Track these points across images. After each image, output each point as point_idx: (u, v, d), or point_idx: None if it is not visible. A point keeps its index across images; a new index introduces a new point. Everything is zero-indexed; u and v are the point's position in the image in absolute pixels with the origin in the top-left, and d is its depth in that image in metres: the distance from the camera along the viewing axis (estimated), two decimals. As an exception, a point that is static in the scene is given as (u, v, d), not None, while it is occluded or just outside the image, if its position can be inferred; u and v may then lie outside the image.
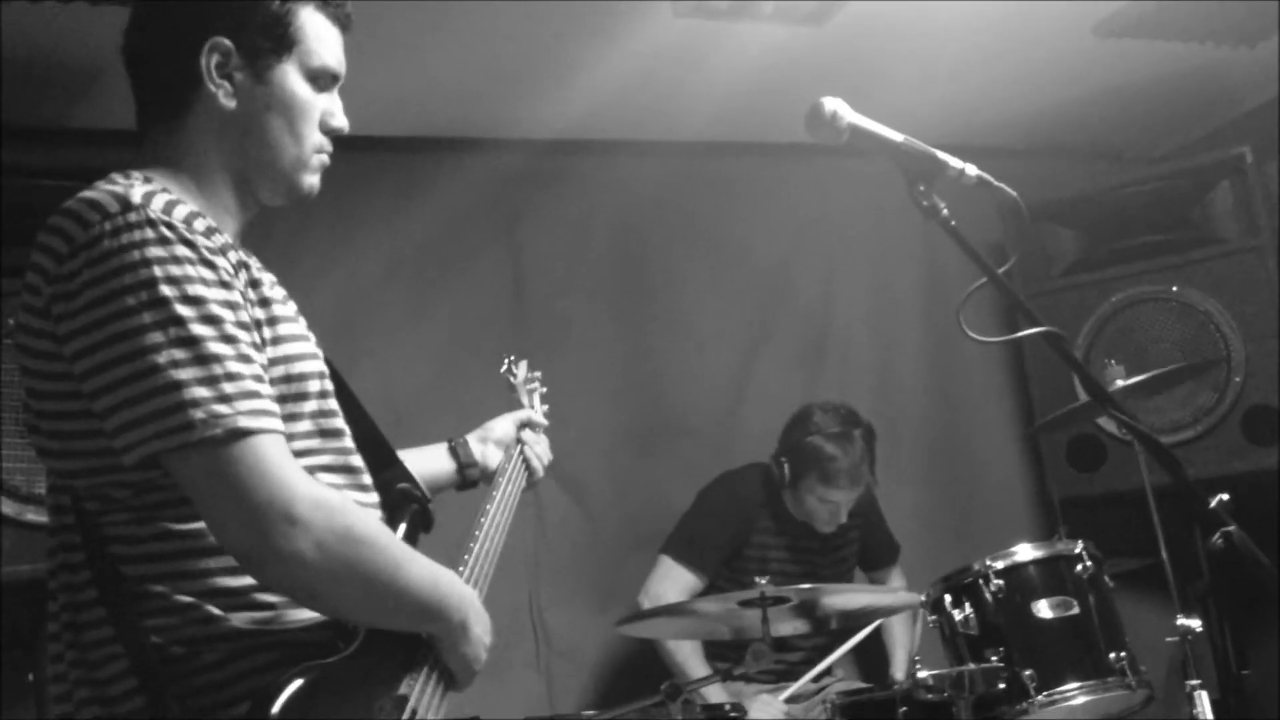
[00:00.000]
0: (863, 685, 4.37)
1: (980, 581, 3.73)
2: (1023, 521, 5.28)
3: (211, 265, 1.84)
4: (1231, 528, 2.06)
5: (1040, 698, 3.56)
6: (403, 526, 2.12)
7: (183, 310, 1.79)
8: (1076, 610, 3.69)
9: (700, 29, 4.21)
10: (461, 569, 2.25)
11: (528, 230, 4.96)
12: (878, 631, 4.49)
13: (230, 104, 2.00)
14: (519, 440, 2.83)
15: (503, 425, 2.84)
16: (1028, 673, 3.57)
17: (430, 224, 4.73)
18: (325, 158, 2.11)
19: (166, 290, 1.79)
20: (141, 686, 1.80)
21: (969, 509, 5.30)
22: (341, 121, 2.11)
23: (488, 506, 2.52)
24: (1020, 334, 2.37)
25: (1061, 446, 4.93)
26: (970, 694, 3.45)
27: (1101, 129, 5.51)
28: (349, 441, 2.05)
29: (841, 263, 5.37)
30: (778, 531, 4.40)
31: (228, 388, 1.78)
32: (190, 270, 1.81)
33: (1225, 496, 2.10)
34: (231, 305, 1.84)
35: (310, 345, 2.01)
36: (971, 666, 3.53)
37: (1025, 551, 3.79)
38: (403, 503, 2.16)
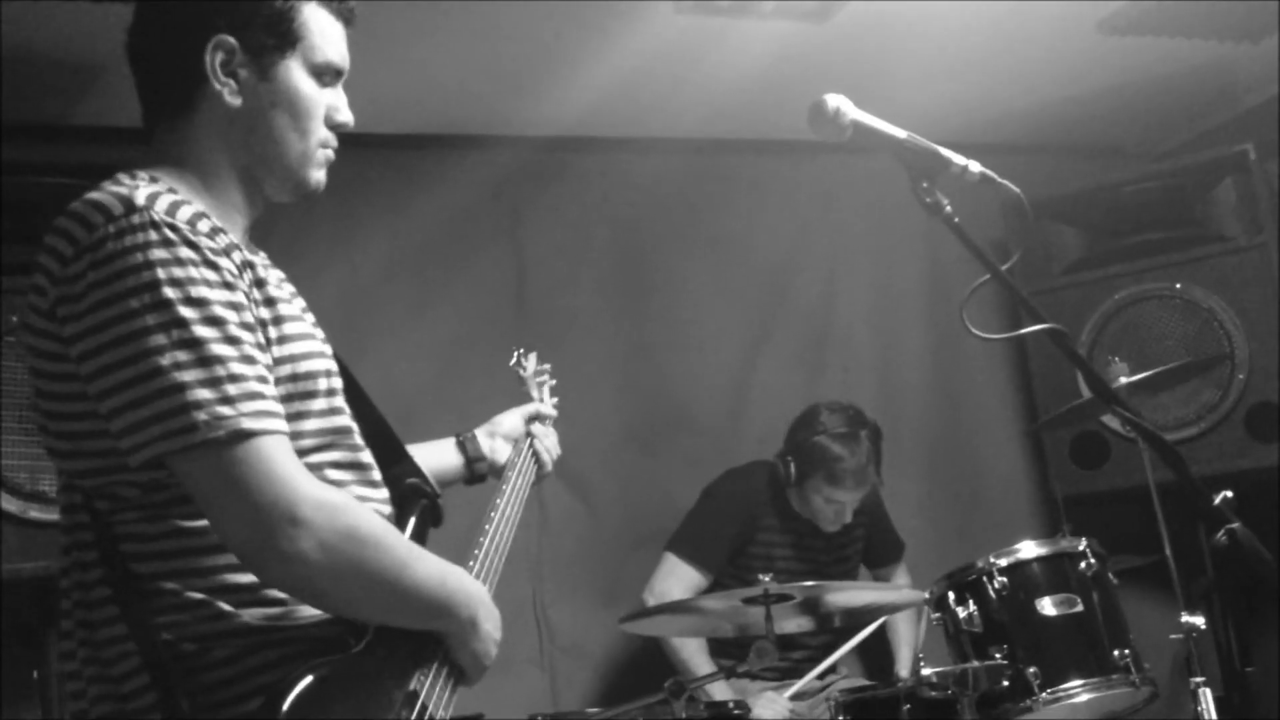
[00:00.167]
0: (867, 683, 4.36)
1: (984, 579, 3.73)
2: (1026, 519, 5.28)
3: (215, 266, 1.84)
4: (1235, 525, 2.05)
5: (1044, 695, 3.56)
6: (412, 522, 2.13)
7: (186, 312, 1.79)
8: (1080, 607, 3.69)
9: (702, 26, 4.21)
10: (471, 563, 2.26)
11: (529, 228, 4.96)
12: (882, 629, 4.48)
13: (236, 102, 2.00)
14: (528, 434, 2.83)
15: (511, 419, 2.84)
16: (1031, 670, 3.57)
17: (432, 222, 4.73)
18: (331, 153, 2.11)
19: (170, 292, 1.79)
20: (153, 683, 1.81)
21: (972, 506, 5.29)
22: (347, 116, 2.11)
23: (497, 500, 2.52)
24: (1023, 331, 2.37)
25: (1065, 444, 4.93)
26: (974, 691, 3.45)
27: (1105, 126, 5.51)
28: (358, 438, 2.06)
29: (844, 259, 5.37)
30: (783, 529, 4.39)
31: (231, 389, 1.79)
32: (193, 272, 1.82)
33: (1229, 494, 2.10)
34: (235, 306, 1.85)
35: (317, 343, 2.02)
36: (975, 664, 3.53)
37: (1029, 549, 3.79)
38: (412, 498, 2.16)
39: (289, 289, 2.05)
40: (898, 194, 2.30)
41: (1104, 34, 4.60)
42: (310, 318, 2.07)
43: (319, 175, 2.10)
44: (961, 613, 3.73)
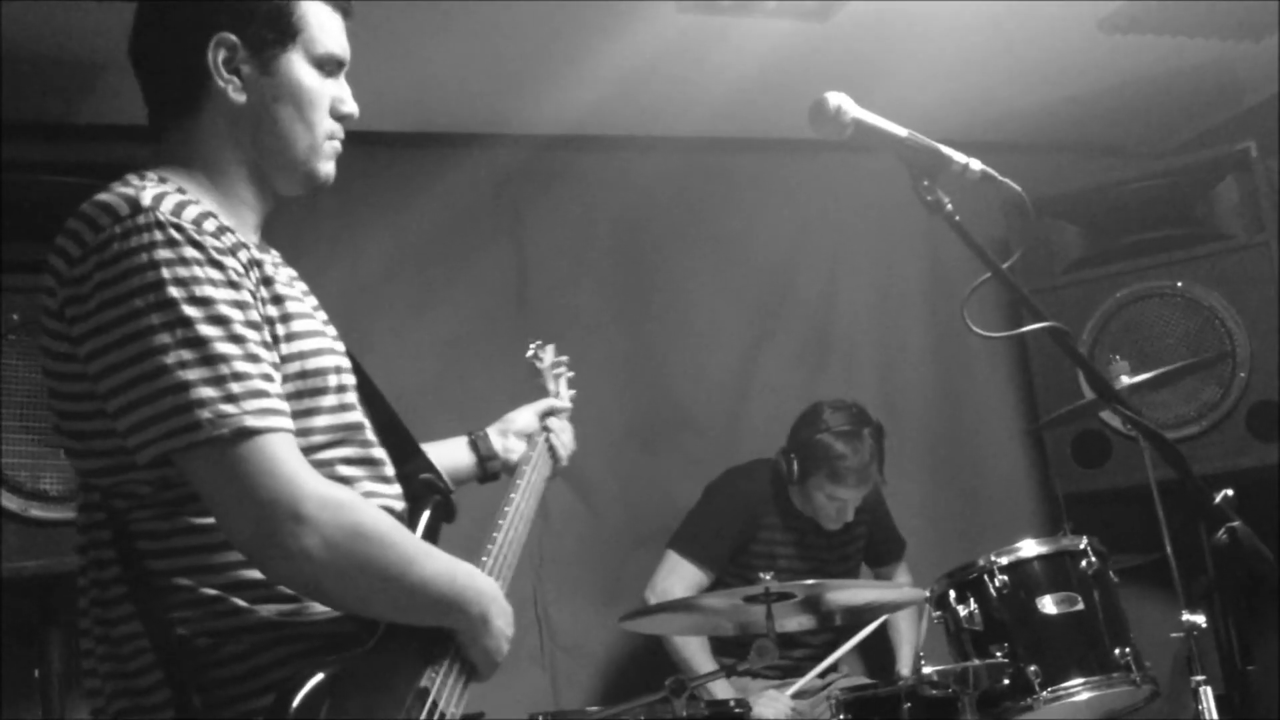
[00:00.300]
0: (868, 681, 4.36)
1: (985, 577, 3.73)
2: (1027, 517, 5.28)
3: (220, 265, 1.86)
4: (1236, 523, 2.05)
5: (1045, 694, 3.57)
6: (425, 518, 2.14)
7: (190, 311, 1.81)
8: (1081, 606, 3.69)
9: (703, 24, 4.21)
10: (485, 558, 2.28)
11: (531, 226, 4.96)
12: (883, 627, 4.48)
13: (240, 98, 2.02)
14: (544, 429, 2.84)
15: (524, 416, 2.85)
16: (1032, 668, 3.57)
17: (434, 220, 4.73)
18: (338, 144, 2.13)
19: (174, 292, 1.81)
20: (167, 679, 1.83)
21: (973, 504, 5.29)
22: (352, 107, 2.13)
23: (511, 495, 2.53)
24: (1025, 329, 2.37)
25: (1066, 442, 4.92)
26: (975, 690, 3.45)
27: (1106, 124, 5.50)
28: (370, 434, 2.07)
29: (845, 258, 5.37)
30: (784, 527, 4.39)
31: (234, 387, 1.80)
32: (198, 271, 1.83)
33: (1230, 492, 2.10)
34: (240, 305, 1.86)
35: (327, 340, 2.03)
36: (976, 662, 3.53)
37: (1030, 547, 3.79)
38: (425, 494, 2.17)
39: (300, 287, 2.06)
40: (899, 192, 2.30)
41: (1105, 32, 4.60)
42: (322, 315, 2.08)
43: (328, 167, 2.12)
44: (962, 611, 3.73)
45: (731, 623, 3.63)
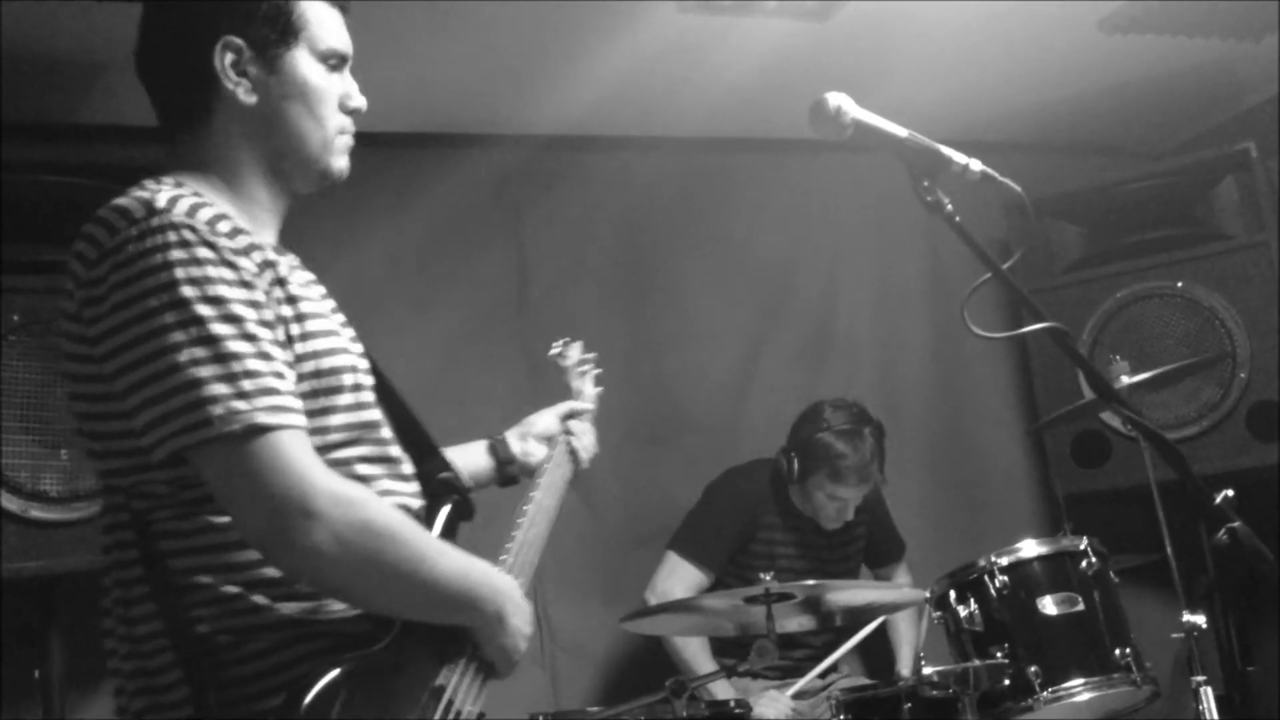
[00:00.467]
0: (868, 682, 4.36)
1: (985, 578, 3.73)
2: (1027, 518, 5.28)
3: (233, 266, 1.89)
4: (1236, 523, 2.05)
5: (1045, 694, 3.56)
6: (443, 517, 2.16)
7: (203, 310, 1.83)
8: (1081, 606, 3.69)
9: (703, 24, 4.21)
10: (504, 557, 2.31)
11: (531, 226, 4.96)
12: (883, 628, 4.48)
13: (251, 100, 2.05)
14: (564, 432, 2.85)
15: (544, 419, 2.87)
16: (1033, 669, 3.57)
17: (434, 220, 4.73)
18: (349, 139, 2.16)
19: (188, 291, 1.84)
20: (187, 677, 1.85)
21: (973, 505, 5.29)
22: (360, 101, 2.16)
23: (531, 495, 2.56)
24: (1025, 329, 2.37)
25: (1066, 442, 4.92)
26: (975, 690, 3.44)
27: (1106, 124, 5.50)
28: (387, 433, 2.10)
29: (845, 258, 5.37)
30: (784, 527, 4.39)
31: (246, 385, 1.82)
32: (211, 271, 1.86)
33: (1230, 492, 2.10)
34: (253, 304, 1.89)
35: (342, 340, 2.06)
36: (976, 663, 3.53)
37: (1030, 548, 3.78)
38: (443, 492, 2.19)
39: (319, 290, 2.10)
40: (899, 192, 2.30)
41: (1105, 32, 4.60)
42: (340, 318, 2.11)
43: (341, 162, 2.15)
44: (963, 611, 3.73)
45: (732, 623, 3.63)
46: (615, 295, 5.01)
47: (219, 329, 1.83)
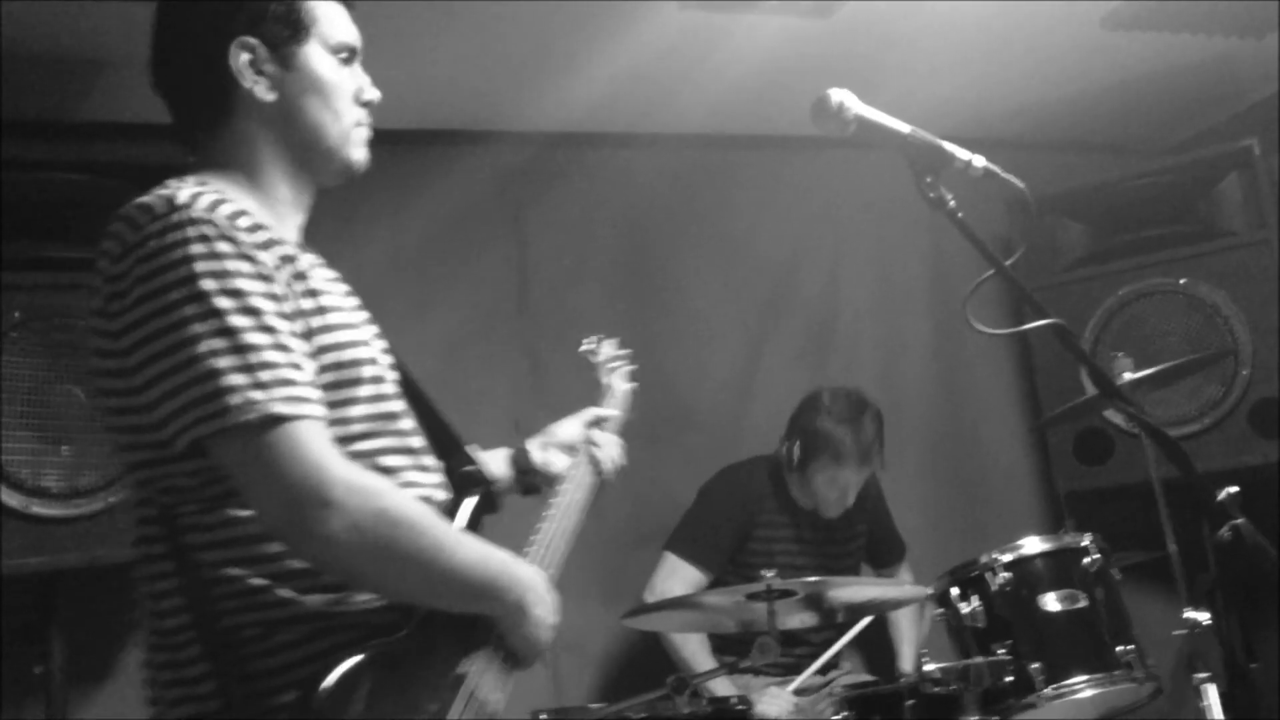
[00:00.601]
0: (870, 678, 4.36)
1: (987, 574, 3.72)
2: (1029, 514, 5.28)
3: (252, 259, 1.92)
4: (1239, 520, 2.05)
5: (1047, 691, 3.56)
6: (467, 509, 2.18)
7: (222, 303, 1.87)
8: (1084, 603, 3.68)
9: (705, 21, 4.20)
10: (529, 549, 2.36)
11: (533, 223, 4.95)
12: (885, 626, 4.48)
13: (270, 97, 2.10)
14: (588, 441, 2.84)
15: (567, 428, 2.87)
16: (1035, 666, 3.56)
17: (435, 217, 4.72)
18: (367, 131, 2.21)
19: (207, 284, 1.87)
20: (215, 670, 1.88)
21: (975, 502, 5.29)
22: (374, 93, 2.22)
23: (550, 508, 2.57)
24: (1027, 326, 2.37)
25: (1068, 439, 4.92)
26: (977, 687, 3.44)
27: (1109, 121, 5.50)
28: (409, 425, 2.12)
29: (847, 255, 5.36)
30: (783, 523, 4.39)
31: (264, 375, 1.85)
32: (230, 265, 1.89)
33: (1233, 489, 2.10)
34: (272, 297, 1.92)
35: (362, 333, 2.10)
36: (978, 659, 3.53)
37: (1032, 544, 3.78)
38: (468, 486, 2.23)
39: (342, 287, 2.14)
40: (901, 189, 2.30)
41: (1108, 30, 4.60)
42: (363, 315, 2.16)
43: (361, 153, 2.20)
44: (964, 608, 3.73)
45: (733, 620, 3.63)
46: (617, 293, 5.01)
47: (237, 321, 1.86)
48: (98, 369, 1.97)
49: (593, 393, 3.13)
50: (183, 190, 1.95)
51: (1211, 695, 3.54)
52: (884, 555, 4.70)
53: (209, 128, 2.12)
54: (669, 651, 4.22)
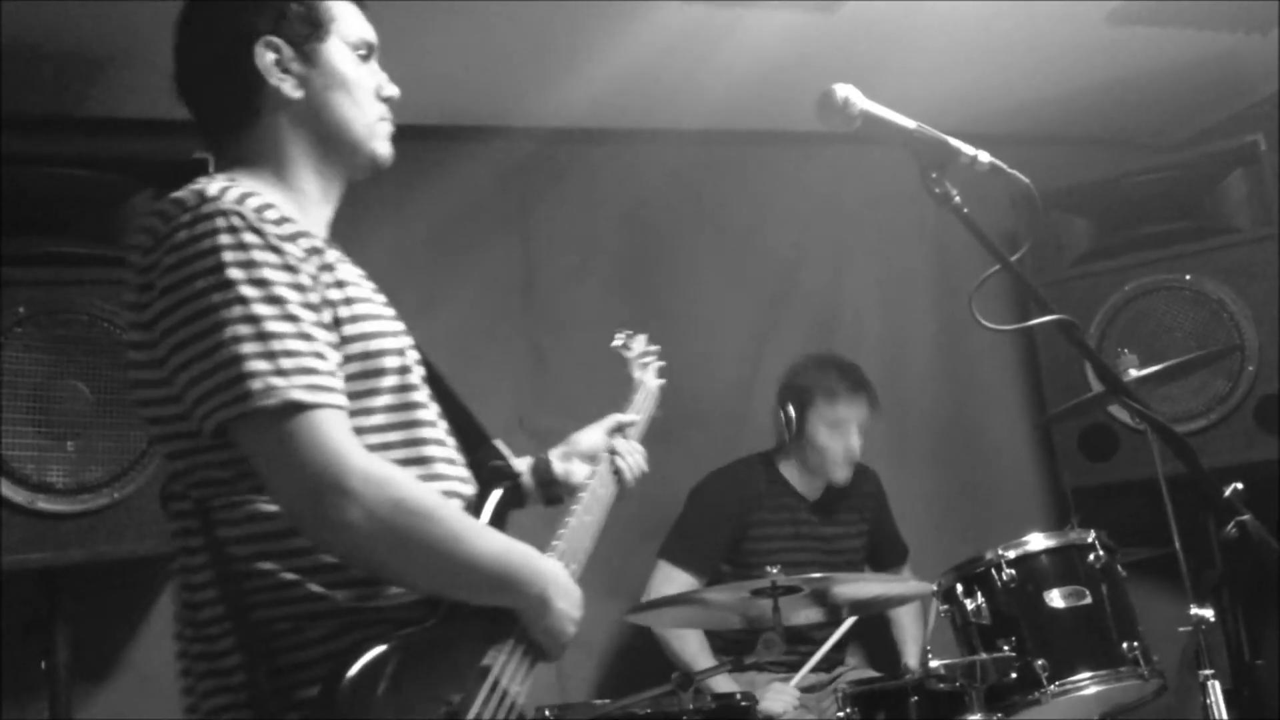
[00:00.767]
0: (875, 674, 4.36)
1: (992, 571, 3.72)
2: (1035, 511, 5.27)
3: (278, 250, 1.96)
4: (1245, 516, 2.05)
5: (1052, 687, 3.55)
6: (492, 503, 2.19)
7: (248, 291, 1.90)
8: (1089, 600, 3.68)
9: (711, 16, 4.20)
10: (555, 542, 2.38)
11: (538, 219, 4.95)
12: (888, 624, 4.48)
13: (297, 94, 2.15)
14: (610, 449, 2.82)
15: (589, 437, 2.85)
16: (1040, 662, 3.56)
17: (440, 213, 4.72)
18: (389, 125, 2.28)
19: (234, 274, 1.91)
20: (245, 663, 1.90)
21: (980, 498, 5.28)
22: (392, 89, 2.29)
23: (569, 517, 2.56)
24: (1033, 322, 2.36)
25: (1074, 435, 4.92)
26: (982, 683, 3.44)
27: (1115, 117, 5.49)
28: (433, 416, 2.14)
29: (852, 250, 5.36)
30: (779, 520, 4.38)
31: (285, 363, 1.88)
32: (256, 255, 1.93)
33: (1239, 485, 2.10)
34: (298, 287, 1.96)
35: (387, 324, 2.13)
36: (983, 656, 3.53)
37: (1037, 541, 3.77)
38: (494, 480, 2.23)
39: (369, 286, 2.17)
40: (907, 184, 2.30)
41: (1114, 25, 4.59)
42: (390, 312, 2.18)
43: (386, 147, 2.28)
44: (969, 605, 3.72)
45: (738, 616, 3.62)
46: (621, 288, 5.01)
47: (262, 309, 1.89)
48: (132, 361, 2.00)
49: (603, 389, 3.12)
50: (213, 184, 1.99)
51: (1216, 692, 3.54)
52: (886, 557, 4.69)
53: (235, 131, 2.16)
54: (669, 655, 4.21)
